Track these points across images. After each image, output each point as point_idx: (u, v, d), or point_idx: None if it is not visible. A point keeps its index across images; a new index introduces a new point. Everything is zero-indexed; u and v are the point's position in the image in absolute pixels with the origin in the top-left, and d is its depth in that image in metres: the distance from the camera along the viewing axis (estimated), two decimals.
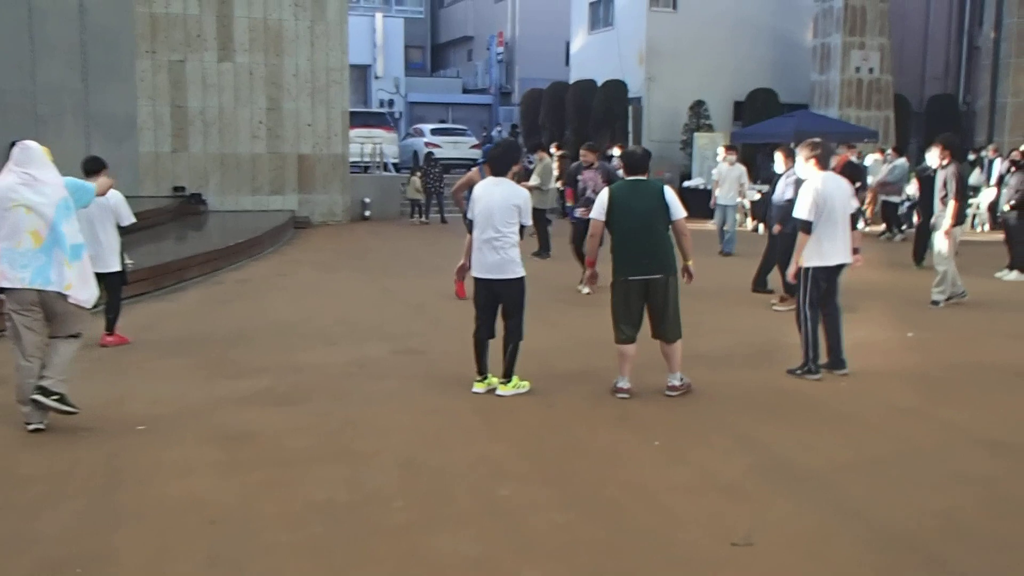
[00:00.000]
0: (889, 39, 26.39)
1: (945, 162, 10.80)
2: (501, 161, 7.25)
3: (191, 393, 7.14)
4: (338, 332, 9.46)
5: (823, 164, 7.69)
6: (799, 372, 7.68)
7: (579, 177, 12.02)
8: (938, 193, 10.86)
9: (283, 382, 7.49)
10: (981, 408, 6.95)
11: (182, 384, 7.40)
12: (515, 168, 7.31)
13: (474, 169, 12.03)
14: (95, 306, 6.62)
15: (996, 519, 4.88)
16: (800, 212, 7.47)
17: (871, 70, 25.98)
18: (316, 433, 6.22)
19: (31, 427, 6.10)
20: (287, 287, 12.49)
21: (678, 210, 7.01)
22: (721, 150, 19.49)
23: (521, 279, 7.10)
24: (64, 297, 6.11)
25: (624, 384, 7.13)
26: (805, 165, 7.82)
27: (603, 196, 7.13)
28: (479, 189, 7.19)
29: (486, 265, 7.04)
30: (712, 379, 7.55)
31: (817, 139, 7.99)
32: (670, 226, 7.01)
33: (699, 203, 21.55)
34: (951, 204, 10.60)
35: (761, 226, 19.54)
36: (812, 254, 7.51)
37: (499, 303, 7.16)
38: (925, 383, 7.66)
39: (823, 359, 7.76)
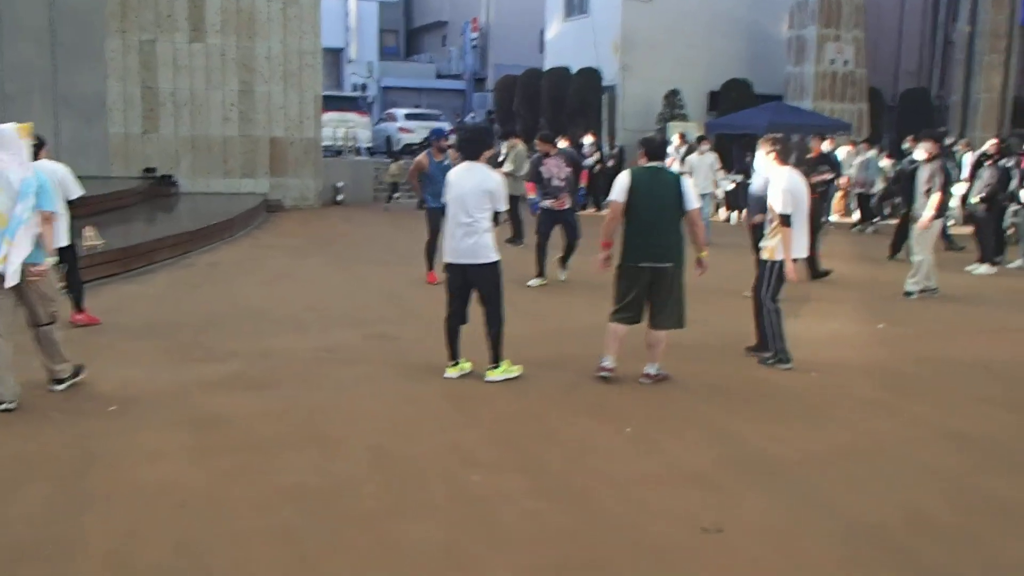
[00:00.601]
0: (864, 32, 26.55)
1: (934, 154, 10.94)
2: (472, 146, 7.18)
3: (161, 376, 7.08)
4: (309, 317, 9.41)
5: (783, 159, 7.81)
6: (771, 362, 7.74)
7: (540, 168, 11.84)
8: (922, 187, 10.95)
9: (253, 367, 7.44)
10: (949, 402, 7.03)
11: (152, 367, 7.34)
12: (487, 153, 7.23)
13: (423, 154, 11.99)
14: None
15: (962, 513, 4.94)
16: (779, 207, 7.49)
17: (845, 63, 26.14)
18: (286, 418, 6.18)
19: (1, 407, 6.09)
20: (258, 271, 12.40)
21: (692, 200, 7.02)
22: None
23: (496, 263, 7.06)
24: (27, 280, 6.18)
25: (609, 363, 7.13)
26: (765, 159, 7.93)
27: (624, 179, 7.05)
28: (452, 174, 7.14)
29: (459, 250, 7.01)
30: (685, 369, 7.58)
31: (778, 134, 8.11)
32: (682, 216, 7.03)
33: None
34: (935, 196, 10.72)
35: (734, 215, 19.67)
36: (782, 248, 7.58)
37: (472, 289, 7.13)
38: (894, 377, 7.73)
39: (752, 342, 8.04)
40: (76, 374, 6.72)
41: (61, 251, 8.15)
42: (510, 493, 5.01)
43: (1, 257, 6.03)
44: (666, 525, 4.66)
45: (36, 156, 8.04)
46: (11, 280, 6.10)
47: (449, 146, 11.83)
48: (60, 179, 8.19)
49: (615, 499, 4.98)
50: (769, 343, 7.80)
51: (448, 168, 11.48)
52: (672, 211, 6.96)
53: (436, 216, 11.55)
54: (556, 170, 11.65)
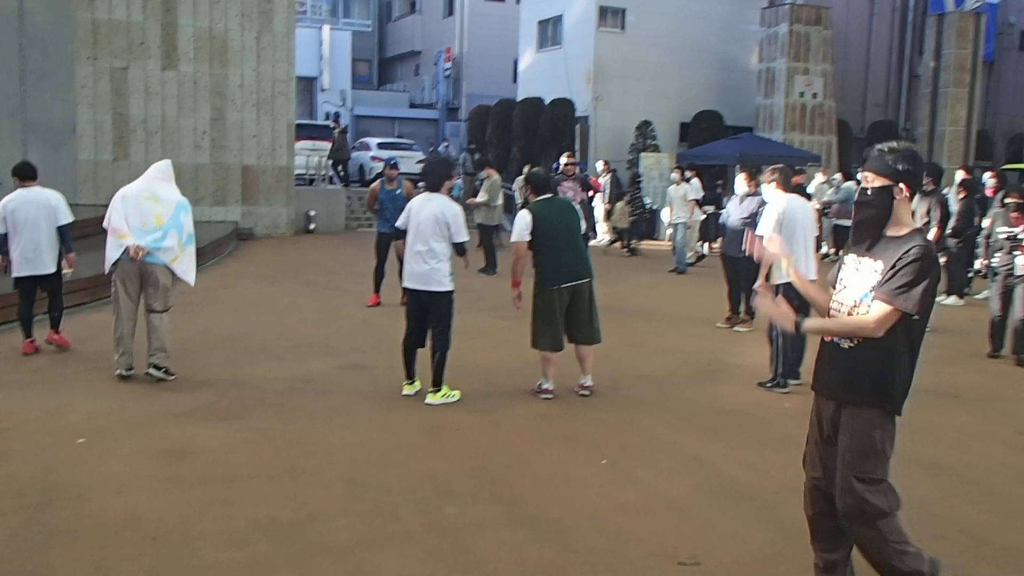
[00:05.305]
0: (832, 66, 26.95)
1: (929, 189, 11.09)
2: (432, 176, 7.53)
3: (130, 406, 6.99)
4: (282, 346, 9.34)
5: (784, 186, 7.97)
6: (769, 385, 7.82)
7: (558, 190, 12.26)
8: (919, 220, 11.08)
9: (225, 397, 7.37)
10: (920, 431, 7.06)
11: (121, 397, 7.24)
12: (448, 183, 7.43)
13: (376, 182, 12.16)
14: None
15: (934, 539, 4.94)
16: (762, 230, 7.67)
17: (815, 95, 26.49)
18: (259, 449, 6.12)
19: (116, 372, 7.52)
20: (229, 300, 12.31)
21: (583, 219, 7.86)
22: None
23: (448, 293, 7.27)
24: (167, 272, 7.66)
25: (549, 385, 7.53)
26: (767, 188, 8.13)
27: (526, 217, 7.40)
28: (414, 203, 7.38)
29: (415, 276, 7.23)
30: (658, 399, 7.59)
31: (780, 164, 8.33)
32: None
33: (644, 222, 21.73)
34: (933, 231, 10.88)
35: (706, 246, 19.79)
36: (781, 273, 7.65)
37: (427, 313, 7.27)
38: None
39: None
40: (167, 372, 7.63)
41: (49, 276, 8.58)
42: (486, 524, 4.98)
43: (173, 257, 7.65)
44: (644, 557, 4.63)
45: (24, 185, 8.25)
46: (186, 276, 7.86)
47: (400, 175, 12.02)
48: (53, 205, 8.65)
49: (592, 530, 4.95)
50: (772, 365, 7.83)
51: (398, 196, 11.72)
52: (576, 231, 7.54)
53: (385, 241, 11.70)
54: (572, 194, 11.76)
